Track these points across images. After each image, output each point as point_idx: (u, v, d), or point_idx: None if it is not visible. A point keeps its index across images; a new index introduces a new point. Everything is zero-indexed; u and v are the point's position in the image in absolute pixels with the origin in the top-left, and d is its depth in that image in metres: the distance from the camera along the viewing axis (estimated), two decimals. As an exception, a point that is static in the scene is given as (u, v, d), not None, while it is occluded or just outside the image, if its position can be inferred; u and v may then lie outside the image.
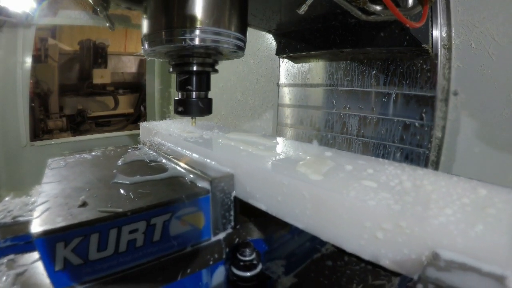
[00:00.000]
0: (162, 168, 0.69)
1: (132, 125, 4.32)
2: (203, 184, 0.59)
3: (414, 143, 1.05)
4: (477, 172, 1.02)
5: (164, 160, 0.76)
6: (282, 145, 0.75)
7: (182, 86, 0.93)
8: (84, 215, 0.45)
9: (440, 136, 1.05)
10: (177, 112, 0.96)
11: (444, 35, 0.99)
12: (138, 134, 2.76)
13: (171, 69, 0.94)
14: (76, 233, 0.43)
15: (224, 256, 0.61)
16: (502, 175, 0.98)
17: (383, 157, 1.13)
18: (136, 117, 4.35)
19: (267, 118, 1.79)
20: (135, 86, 4.37)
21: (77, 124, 3.97)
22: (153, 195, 0.54)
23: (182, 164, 0.68)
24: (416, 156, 1.05)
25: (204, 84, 0.94)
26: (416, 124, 1.04)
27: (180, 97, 0.94)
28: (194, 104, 0.94)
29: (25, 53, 2.22)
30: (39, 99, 3.49)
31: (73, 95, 3.97)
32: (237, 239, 0.63)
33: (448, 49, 1.00)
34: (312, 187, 0.47)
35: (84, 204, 0.49)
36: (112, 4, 0.95)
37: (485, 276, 0.28)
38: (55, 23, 2.68)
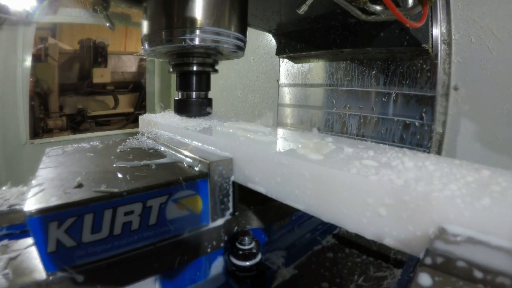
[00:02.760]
0: (161, 155, 0.68)
1: (132, 124, 4.30)
2: (201, 168, 0.58)
3: (414, 142, 1.05)
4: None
5: (162, 148, 0.75)
6: (281, 132, 0.75)
7: (182, 86, 0.93)
8: (79, 195, 0.44)
9: (441, 131, 1.04)
10: (177, 112, 0.95)
11: (444, 31, 0.99)
12: (138, 132, 2.75)
13: (171, 69, 0.94)
14: (69, 213, 0.42)
15: (222, 244, 0.59)
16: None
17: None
18: (136, 117, 4.31)
19: (267, 116, 1.79)
20: (135, 86, 4.37)
21: (77, 123, 3.96)
22: (150, 177, 0.53)
23: (181, 150, 0.67)
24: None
25: (204, 84, 0.94)
26: (416, 123, 1.04)
27: (180, 97, 0.94)
28: (194, 104, 0.94)
29: (25, 51, 2.23)
30: (39, 98, 3.47)
31: (73, 94, 3.96)
32: (236, 228, 0.61)
33: (448, 44, 1.00)
34: (312, 165, 0.45)
35: (80, 186, 0.48)
36: (112, 4, 0.96)
37: (495, 250, 0.28)
38: (55, 21, 2.71)
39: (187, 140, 0.77)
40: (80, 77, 3.96)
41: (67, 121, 3.79)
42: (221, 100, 2.14)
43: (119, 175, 0.54)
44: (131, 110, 4.35)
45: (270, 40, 1.68)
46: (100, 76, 3.95)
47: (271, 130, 0.75)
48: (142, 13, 0.85)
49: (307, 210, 0.48)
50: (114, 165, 0.60)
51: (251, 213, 0.65)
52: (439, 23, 0.98)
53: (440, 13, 0.97)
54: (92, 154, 0.70)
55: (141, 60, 4.05)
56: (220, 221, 0.59)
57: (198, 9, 0.76)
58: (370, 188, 0.39)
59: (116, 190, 0.46)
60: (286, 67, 1.45)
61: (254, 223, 0.65)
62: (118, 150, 0.73)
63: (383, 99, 1.10)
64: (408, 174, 0.39)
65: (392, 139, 1.10)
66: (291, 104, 1.45)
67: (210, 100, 0.97)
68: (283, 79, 1.48)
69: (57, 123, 3.68)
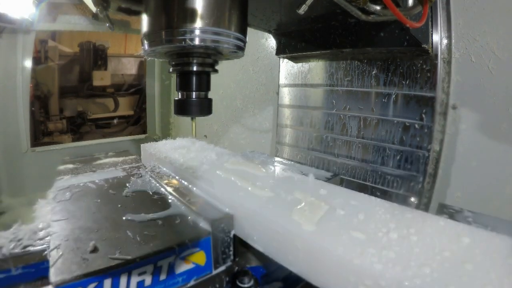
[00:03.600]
0: (165, 203, 0.75)
1: (132, 127, 4.30)
2: (204, 225, 0.64)
3: (414, 144, 1.05)
4: (475, 185, 1.03)
5: (166, 192, 0.82)
6: (279, 179, 0.81)
7: (182, 86, 0.93)
8: (97, 263, 0.50)
9: (438, 149, 1.05)
10: (176, 112, 0.95)
11: (444, 48, 1.00)
12: (139, 140, 2.76)
13: (171, 69, 0.94)
14: (91, 281, 0.48)
15: (224, 286, 0.66)
16: (500, 187, 0.98)
17: (382, 158, 1.13)
18: (136, 119, 4.32)
19: (267, 126, 1.79)
20: (135, 88, 4.36)
21: (77, 126, 3.96)
22: (159, 238, 0.59)
23: (184, 202, 0.73)
24: (416, 159, 1.05)
25: (204, 84, 0.94)
26: (416, 125, 1.04)
27: (180, 97, 0.94)
28: (194, 104, 0.93)
29: (25, 59, 2.22)
30: (39, 101, 3.47)
31: (73, 97, 3.97)
32: (236, 268, 0.68)
33: (448, 62, 1.00)
34: (304, 239, 0.52)
35: (95, 250, 0.53)
36: (112, 4, 0.96)
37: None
38: (54, 29, 2.70)
39: (189, 185, 0.83)
40: (80, 80, 3.96)
41: (67, 124, 3.79)
42: (221, 110, 2.15)
43: (130, 234, 0.59)
44: (131, 112, 4.35)
45: (270, 51, 1.68)
46: (100, 79, 3.97)
47: (269, 175, 0.81)
48: (142, 13, 0.85)
49: (299, 274, 0.55)
50: (123, 218, 0.65)
51: (250, 254, 0.72)
52: (440, 40, 0.97)
53: (441, 30, 0.97)
54: (99, 200, 0.75)
55: (141, 62, 4.05)
56: (222, 268, 0.66)
57: (198, 9, 0.76)
58: (353, 269, 0.45)
59: (130, 257, 0.51)
60: (286, 67, 1.45)
61: (253, 262, 0.71)
62: (124, 194, 0.78)
63: (383, 100, 1.10)
64: (389, 254, 0.45)
65: (392, 141, 1.10)
66: (291, 105, 1.45)
67: (210, 100, 0.97)
68: (283, 79, 1.48)
69: (57, 126, 3.69)
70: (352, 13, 0.79)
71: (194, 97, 0.93)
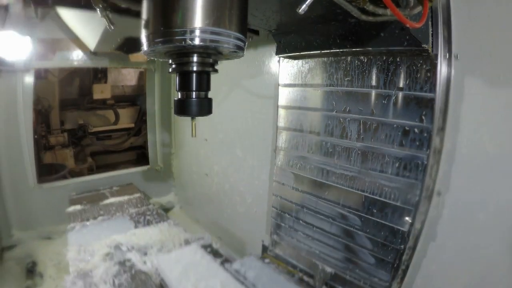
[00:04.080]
0: None
1: (134, 137, 4.33)
2: None
3: (414, 148, 1.06)
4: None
5: None
6: None
7: (182, 86, 0.93)
8: None
9: (419, 227, 1.10)
10: (176, 112, 0.95)
11: (437, 139, 1.02)
12: (144, 171, 2.83)
13: (170, 69, 0.94)
14: None
15: None
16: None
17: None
18: (136, 131, 4.36)
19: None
20: (135, 99, 4.40)
21: (78, 138, 4.00)
22: None
23: None
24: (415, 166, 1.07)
25: (204, 84, 0.93)
26: (416, 130, 1.05)
27: (180, 97, 0.94)
28: (194, 104, 0.93)
29: (26, 96, 2.23)
30: (40, 115, 3.49)
31: (74, 109, 3.98)
32: None
33: (439, 152, 1.04)
34: None
35: None
36: (112, 2, 0.95)
37: None
38: (53, 66, 2.76)
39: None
40: (80, 93, 4.00)
41: (68, 136, 3.81)
42: (222, 157, 2.18)
43: None
44: (132, 125, 4.37)
45: (268, 111, 1.70)
46: (100, 92, 3.98)
47: None
48: (141, 13, 0.84)
49: None
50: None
51: None
52: (434, 133, 1.01)
53: (436, 122, 1.00)
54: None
55: (141, 72, 4.04)
56: None
57: (198, 9, 0.76)
58: None
59: None
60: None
61: None
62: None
63: (383, 101, 1.10)
64: None
65: (392, 146, 1.10)
66: (290, 105, 1.46)
67: (210, 100, 0.96)
68: (283, 80, 1.49)
69: (58, 140, 3.72)
70: (352, 13, 0.79)
71: (194, 97, 0.93)
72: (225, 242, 2.22)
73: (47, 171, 3.16)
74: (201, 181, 2.45)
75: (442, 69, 0.98)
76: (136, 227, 1.86)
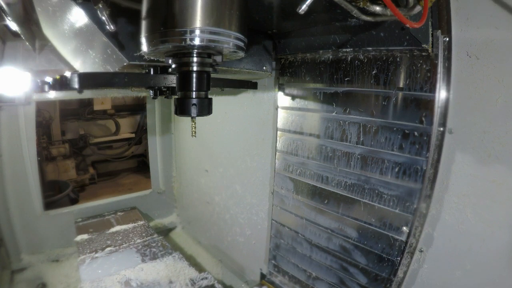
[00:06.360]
0: None
1: (135, 146, 4.36)
2: None
3: (413, 151, 1.06)
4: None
5: None
6: None
7: (182, 86, 0.93)
8: None
9: (401, 276, 1.15)
10: (176, 113, 0.94)
11: (424, 204, 1.07)
12: (146, 195, 2.90)
13: (170, 69, 0.93)
14: None
15: None
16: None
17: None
18: (137, 141, 4.39)
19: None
20: (136, 108, 4.43)
21: (80, 148, 4.03)
22: None
23: None
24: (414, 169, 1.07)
25: (204, 84, 0.93)
26: (415, 133, 1.04)
27: (180, 97, 0.93)
28: (194, 104, 0.93)
29: (28, 128, 2.25)
30: (41, 127, 3.53)
31: (75, 120, 4.02)
32: None
33: (424, 216, 1.08)
34: None
35: None
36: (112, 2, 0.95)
37: None
38: (56, 99, 2.81)
39: None
40: (80, 105, 4.05)
41: (69, 147, 3.84)
42: (222, 190, 2.20)
43: None
44: (132, 135, 4.40)
45: (267, 159, 1.72)
46: (101, 103, 4.03)
47: None
48: (141, 13, 0.84)
49: None
50: None
51: None
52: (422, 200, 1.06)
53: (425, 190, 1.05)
54: None
55: None
56: None
57: (198, 9, 0.76)
58: None
59: None
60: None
61: None
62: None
63: (383, 102, 1.09)
64: None
65: (392, 148, 1.10)
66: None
67: (210, 100, 0.96)
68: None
69: (60, 151, 3.76)
70: (352, 13, 0.79)
71: (194, 96, 0.92)
72: (226, 265, 2.30)
73: (51, 189, 3.25)
74: (202, 208, 2.48)
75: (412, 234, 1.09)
76: (143, 260, 1.95)
